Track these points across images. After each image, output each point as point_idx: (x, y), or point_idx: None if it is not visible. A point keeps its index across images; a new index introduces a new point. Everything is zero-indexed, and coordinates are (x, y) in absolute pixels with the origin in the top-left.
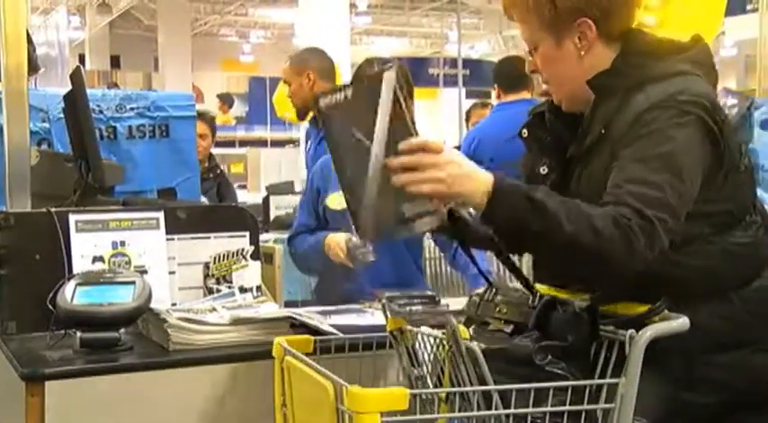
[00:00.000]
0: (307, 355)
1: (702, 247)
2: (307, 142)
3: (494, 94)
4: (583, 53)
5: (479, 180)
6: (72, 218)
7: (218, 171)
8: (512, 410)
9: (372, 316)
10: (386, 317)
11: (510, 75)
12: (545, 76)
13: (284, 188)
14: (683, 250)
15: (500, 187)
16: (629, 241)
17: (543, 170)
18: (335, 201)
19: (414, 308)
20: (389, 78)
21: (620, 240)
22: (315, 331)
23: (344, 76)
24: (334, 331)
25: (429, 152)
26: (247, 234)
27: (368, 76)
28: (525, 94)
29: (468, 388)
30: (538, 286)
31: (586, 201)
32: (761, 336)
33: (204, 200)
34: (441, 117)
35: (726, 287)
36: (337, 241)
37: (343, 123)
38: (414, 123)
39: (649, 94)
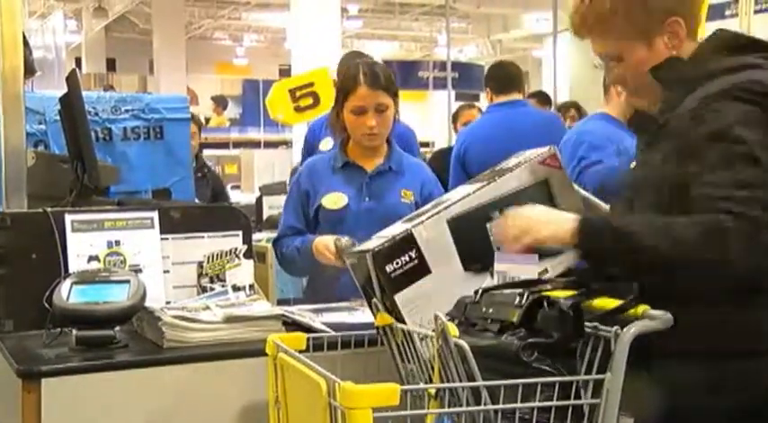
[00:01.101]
0: (300, 352)
1: None
2: (319, 138)
3: (483, 96)
4: (675, 53)
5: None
6: (68, 218)
7: (206, 170)
8: (500, 406)
9: (363, 314)
10: (374, 314)
11: (499, 77)
12: (633, 85)
13: (277, 188)
14: None
15: (585, 223)
16: (721, 244)
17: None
18: (331, 200)
19: None
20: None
21: (710, 245)
22: (307, 329)
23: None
24: (326, 329)
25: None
26: (240, 233)
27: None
28: (516, 96)
29: (458, 384)
30: None
31: (636, 188)
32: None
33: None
34: (430, 119)
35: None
36: (326, 244)
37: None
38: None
39: (709, 87)
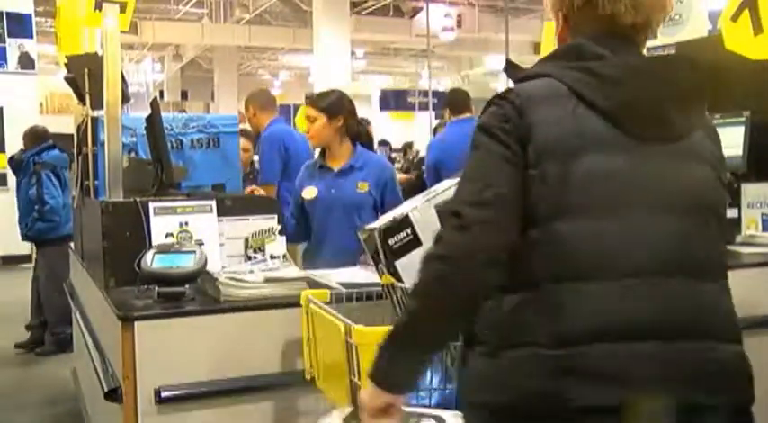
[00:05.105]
0: (325, 303)
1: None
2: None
3: (446, 114)
4: None
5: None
6: (151, 205)
7: (255, 173)
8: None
9: (365, 273)
10: (380, 275)
11: (455, 101)
12: None
13: None
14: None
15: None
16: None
17: None
18: (307, 193)
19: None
20: (377, 238)
21: (429, 274)
22: (325, 287)
23: None
24: (340, 287)
25: None
26: (276, 217)
27: (369, 231)
28: (467, 114)
29: None
30: None
31: None
32: None
33: None
34: (416, 132)
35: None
36: None
37: (370, 245)
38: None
39: None
